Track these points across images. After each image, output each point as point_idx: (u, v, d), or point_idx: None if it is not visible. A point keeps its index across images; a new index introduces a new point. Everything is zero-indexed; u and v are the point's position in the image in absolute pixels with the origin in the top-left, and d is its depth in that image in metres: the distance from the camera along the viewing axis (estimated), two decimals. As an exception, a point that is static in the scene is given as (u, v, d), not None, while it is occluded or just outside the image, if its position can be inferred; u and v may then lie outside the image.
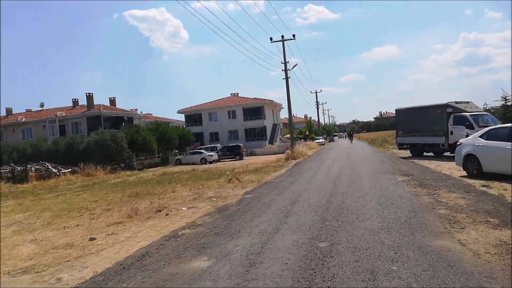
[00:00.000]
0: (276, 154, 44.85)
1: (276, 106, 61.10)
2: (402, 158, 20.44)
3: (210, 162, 38.27)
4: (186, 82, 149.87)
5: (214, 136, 55.92)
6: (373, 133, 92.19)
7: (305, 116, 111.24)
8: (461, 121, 16.82)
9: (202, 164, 37.33)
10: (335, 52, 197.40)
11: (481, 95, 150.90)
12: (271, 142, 54.52)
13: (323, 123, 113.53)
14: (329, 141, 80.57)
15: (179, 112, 57.77)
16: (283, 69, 32.14)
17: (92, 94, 42.41)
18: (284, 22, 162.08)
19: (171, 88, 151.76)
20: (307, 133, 61.90)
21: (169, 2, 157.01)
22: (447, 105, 17.61)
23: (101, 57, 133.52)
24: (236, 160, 40.30)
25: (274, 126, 58.83)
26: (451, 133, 17.26)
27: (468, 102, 17.96)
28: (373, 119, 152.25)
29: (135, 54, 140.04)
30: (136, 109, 66.20)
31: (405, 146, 21.28)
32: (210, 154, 39.09)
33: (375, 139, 48.42)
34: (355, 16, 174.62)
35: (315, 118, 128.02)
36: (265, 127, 54.74)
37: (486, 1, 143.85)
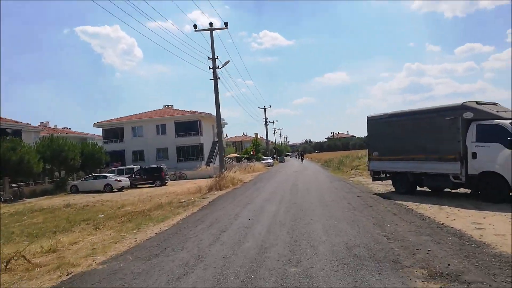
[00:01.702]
0: (211, 177, 36.42)
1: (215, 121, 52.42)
2: (378, 195, 12.36)
3: (119, 189, 28.55)
4: (137, 101, 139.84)
5: (139, 155, 45.88)
6: (325, 153, 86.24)
7: (256, 135, 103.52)
8: (494, 134, 9.09)
9: (106, 192, 27.60)
10: (288, 76, 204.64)
11: None
12: (209, 163, 45.47)
13: (274, 143, 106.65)
14: (279, 162, 73.03)
15: (96, 125, 47.22)
16: (211, 67, 23.72)
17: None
18: (240, 46, 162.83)
19: (119, 105, 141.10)
20: (252, 152, 53.72)
21: (124, 20, 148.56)
22: (464, 107, 9.80)
23: (47, 71, 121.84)
24: (156, 186, 30.91)
25: (214, 144, 49.93)
26: (474, 155, 9.45)
27: (495, 104, 10.31)
28: (325, 140, 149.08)
29: (85, 70, 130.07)
30: (48, 122, 54.78)
31: (383, 175, 13.16)
32: (118, 179, 29.17)
33: (329, 160, 41.10)
34: (308, 43, 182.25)
35: (270, 138, 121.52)
36: (201, 145, 45.71)
37: (427, 36, 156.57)
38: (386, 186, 14.28)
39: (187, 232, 8.45)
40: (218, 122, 24.39)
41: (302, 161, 67.15)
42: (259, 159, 55.77)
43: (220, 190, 19.78)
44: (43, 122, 54.08)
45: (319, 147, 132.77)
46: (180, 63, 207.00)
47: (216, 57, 23.43)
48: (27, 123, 54.98)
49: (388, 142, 12.26)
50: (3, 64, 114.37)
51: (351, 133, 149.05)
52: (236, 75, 53.55)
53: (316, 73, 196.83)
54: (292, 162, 64.61)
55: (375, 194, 12.57)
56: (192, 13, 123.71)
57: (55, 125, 56.76)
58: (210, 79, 23.97)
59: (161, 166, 32.82)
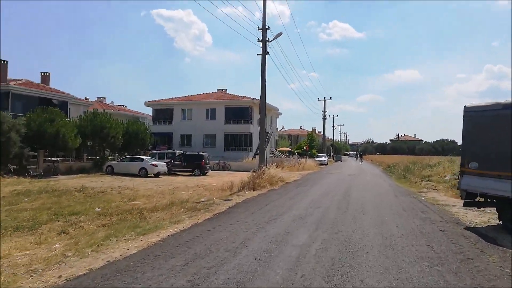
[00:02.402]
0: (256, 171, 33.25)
1: (270, 110, 48.79)
2: (473, 231, 7.91)
3: (156, 175, 26.41)
4: (201, 87, 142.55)
5: (186, 140, 43.95)
6: (388, 156, 78.91)
7: (313, 130, 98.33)
8: None
9: (141, 176, 25.59)
10: (355, 70, 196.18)
11: None
12: (256, 155, 42.17)
13: (332, 140, 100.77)
14: (335, 161, 67.79)
15: (147, 104, 46.01)
16: (260, 39, 20.09)
17: (6, 61, 30.94)
18: (308, 36, 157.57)
19: (184, 88, 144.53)
20: (305, 147, 49.42)
21: (196, 5, 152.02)
22: None
23: (124, 52, 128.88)
24: (195, 174, 28.39)
25: (266, 135, 46.48)
26: None
27: None
28: (389, 141, 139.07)
29: (158, 52, 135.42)
30: (104, 98, 55.01)
31: (481, 200, 8.38)
32: (154, 163, 26.85)
33: (393, 165, 35.63)
34: (379, 37, 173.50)
35: (329, 134, 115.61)
36: (251, 134, 42.51)
37: None
38: (481, 213, 9.70)
39: (145, 272, 4.96)
40: (262, 105, 20.73)
41: (361, 162, 62.64)
42: (312, 156, 51.34)
43: (253, 190, 16.21)
44: (100, 98, 54.46)
45: (382, 149, 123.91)
46: (248, 51, 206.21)
47: (267, 27, 19.71)
48: (86, 98, 55.78)
49: (498, 149, 7.73)
50: (83, 43, 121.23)
51: (419, 137, 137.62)
52: (300, 67, 49.53)
53: (385, 69, 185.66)
54: (350, 163, 59.20)
55: (468, 228, 8.13)
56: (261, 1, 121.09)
57: (112, 102, 57.04)
58: (258, 54, 20.38)
59: (202, 154, 30.04)
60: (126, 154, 33.94)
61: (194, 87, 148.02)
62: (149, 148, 40.91)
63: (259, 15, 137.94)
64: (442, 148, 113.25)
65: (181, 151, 33.42)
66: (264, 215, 9.34)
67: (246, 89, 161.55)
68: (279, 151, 51.66)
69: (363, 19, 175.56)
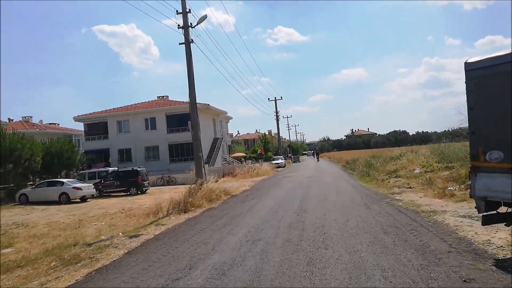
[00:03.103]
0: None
1: (218, 115, 45.06)
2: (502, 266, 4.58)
3: (81, 199, 21.82)
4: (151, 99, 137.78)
5: (125, 154, 39.03)
6: (345, 152, 77.66)
7: (269, 132, 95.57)
8: None
9: (62, 203, 20.95)
10: (304, 72, 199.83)
11: (443, 116, 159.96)
12: (208, 164, 38.16)
13: (289, 141, 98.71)
14: (294, 162, 65.25)
15: (77, 119, 40.52)
16: (181, 25, 16.35)
17: None
18: (255, 43, 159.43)
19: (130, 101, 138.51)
20: (260, 151, 46.12)
21: (139, 19, 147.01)
22: None
23: (71, 71, 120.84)
24: (130, 194, 24.15)
25: (215, 141, 42.65)
26: None
27: None
28: (344, 137, 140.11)
29: (103, 69, 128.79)
30: (31, 117, 48.40)
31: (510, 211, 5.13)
32: (77, 186, 22.15)
33: (352, 161, 33.05)
34: (323, 39, 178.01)
35: (285, 136, 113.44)
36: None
37: (446, 29, 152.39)
38: (490, 226, 6.50)
39: None
40: (192, 104, 17.00)
41: (318, 160, 63.06)
42: (268, 159, 48.15)
43: (185, 212, 12.37)
44: (25, 117, 47.90)
45: (338, 145, 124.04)
46: (197, 61, 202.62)
47: (188, 10, 15.99)
48: (9, 119, 48.77)
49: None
50: (19, 67, 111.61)
51: (372, 130, 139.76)
52: (253, 73, 46.38)
53: (332, 69, 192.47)
54: (308, 162, 56.73)
55: (498, 263, 4.81)
56: (205, 10, 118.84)
57: (40, 120, 50.50)
58: (180, 43, 16.61)
59: (137, 169, 25.67)
60: (49, 177, 28.72)
61: (143, 100, 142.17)
62: (82, 168, 35.81)
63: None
64: (395, 139, 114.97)
65: (117, 168, 28.74)
66: (165, 269, 5.55)
67: (198, 99, 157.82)
68: (234, 157, 47.99)
69: (305, 23, 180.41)
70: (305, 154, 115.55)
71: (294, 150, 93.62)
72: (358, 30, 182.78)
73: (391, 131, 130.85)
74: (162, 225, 10.19)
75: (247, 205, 12.32)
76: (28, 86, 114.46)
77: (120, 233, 9.42)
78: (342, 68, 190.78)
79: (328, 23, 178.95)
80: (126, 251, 7.31)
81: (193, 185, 15.25)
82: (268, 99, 58.00)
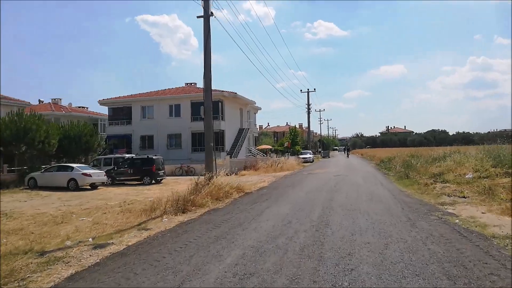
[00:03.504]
0: (226, 175, 27.63)
1: (246, 104, 42.93)
2: None
3: (92, 187, 20.60)
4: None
5: (147, 141, 37.79)
6: (379, 149, 73.54)
7: (300, 126, 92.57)
8: None
9: (70, 189, 19.72)
10: (342, 68, 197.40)
11: (488, 119, 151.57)
12: (231, 155, 36.27)
13: (320, 135, 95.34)
14: (323, 157, 62.33)
15: (101, 102, 39.64)
16: (198, -6, 14.21)
17: None
18: (293, 36, 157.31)
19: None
20: (287, 144, 43.63)
21: (181, 9, 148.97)
22: None
23: (111, 59, 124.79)
24: (144, 184, 22.72)
25: (240, 132, 40.60)
26: None
27: None
28: (379, 134, 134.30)
29: (144, 58, 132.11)
30: (60, 99, 48.24)
31: None
32: (87, 172, 20.78)
33: (387, 160, 29.93)
34: (363, 34, 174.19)
35: (316, 130, 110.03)
36: (222, 132, 36.48)
37: (496, 27, 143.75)
38: None
39: None
40: (207, 85, 14.83)
41: (348, 156, 60.48)
42: (296, 153, 45.59)
43: (183, 212, 10.34)
44: (54, 99, 47.84)
45: (372, 142, 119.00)
46: (234, 53, 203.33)
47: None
48: (39, 100, 48.90)
49: None
50: (66, 51, 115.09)
51: (409, 128, 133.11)
52: (289, 66, 43.96)
53: (371, 65, 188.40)
54: (338, 159, 53.59)
55: None
56: (246, 3, 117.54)
57: (69, 103, 50.39)
58: (198, 16, 14.52)
59: (153, 157, 24.04)
60: (64, 161, 27.73)
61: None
62: (103, 153, 34.89)
63: (242, 16, 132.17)
64: (434, 138, 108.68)
65: (132, 155, 27.28)
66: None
67: (230, 88, 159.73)
68: (259, 149, 45.81)
69: (347, 18, 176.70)
70: (336, 149, 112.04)
71: (325, 145, 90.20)
72: (400, 26, 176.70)
73: (429, 130, 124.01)
74: (146, 229, 8.16)
75: (257, 209, 10.05)
76: (69, 69, 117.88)
77: (90, 239, 7.47)
78: (381, 64, 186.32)
79: (369, 19, 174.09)
80: (68, 274, 5.26)
81: (200, 179, 13.19)
82: (301, 90, 55.13)
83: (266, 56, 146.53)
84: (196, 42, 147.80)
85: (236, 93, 37.12)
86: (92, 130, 31.57)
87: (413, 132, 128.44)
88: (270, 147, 47.56)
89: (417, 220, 7.68)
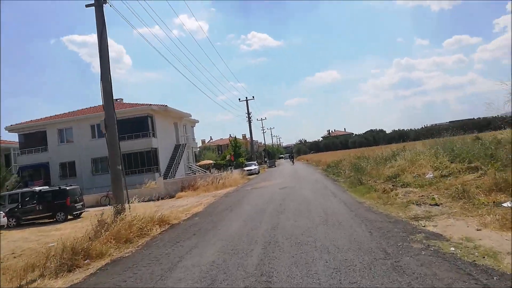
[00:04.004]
0: (160, 199, 24.44)
1: (180, 118, 39.55)
2: None
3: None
4: None
5: (69, 169, 32.93)
6: (323, 154, 73.35)
7: (243, 137, 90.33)
8: None
9: None
10: (279, 77, 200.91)
11: (415, 114, 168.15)
12: (166, 175, 32.62)
13: (264, 145, 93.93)
14: (269, 166, 60.41)
15: (9, 129, 34.04)
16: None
17: None
18: (229, 49, 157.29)
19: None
20: (229, 157, 40.88)
21: (110, 28, 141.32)
22: None
23: (35, 83, 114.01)
24: (57, 221, 18.71)
25: (177, 148, 37.11)
26: None
27: None
28: (321, 138, 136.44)
29: (76, 80, 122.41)
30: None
31: None
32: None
33: (334, 164, 28.22)
34: (296, 43, 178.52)
35: (260, 139, 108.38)
36: (154, 150, 32.80)
37: (415, 30, 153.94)
38: None
39: None
40: (106, 89, 11.55)
41: (293, 163, 61.12)
42: (240, 165, 42.94)
43: (70, 271, 7.11)
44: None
45: (315, 147, 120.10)
46: (171, 71, 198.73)
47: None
48: None
49: None
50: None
51: (348, 130, 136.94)
52: (227, 79, 41.43)
53: (307, 72, 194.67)
54: (284, 167, 51.86)
55: None
56: (179, 18, 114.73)
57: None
58: (88, 5, 11.33)
59: (66, 188, 20.05)
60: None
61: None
62: (15, 187, 29.78)
63: (176, 32, 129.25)
64: (373, 138, 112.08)
65: (38, 188, 22.75)
66: None
67: (176, 105, 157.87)
68: (200, 166, 42.52)
69: (279, 28, 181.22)
70: (282, 157, 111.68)
71: (270, 154, 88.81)
72: (330, 34, 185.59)
73: (368, 130, 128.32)
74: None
75: (174, 255, 7.06)
76: None
77: None
78: (316, 71, 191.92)
79: (301, 28, 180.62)
80: None
81: (104, 216, 9.91)
82: (239, 99, 52.96)
83: (203, 70, 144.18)
84: (130, 60, 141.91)
85: (166, 105, 33.71)
86: (-6, 162, 26.48)
87: (353, 133, 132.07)
88: (212, 162, 44.47)
89: (398, 256, 5.19)
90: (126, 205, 11.12)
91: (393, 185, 12.54)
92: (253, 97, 54.04)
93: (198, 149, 77.06)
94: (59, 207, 19.10)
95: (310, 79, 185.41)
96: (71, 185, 21.52)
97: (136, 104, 33.87)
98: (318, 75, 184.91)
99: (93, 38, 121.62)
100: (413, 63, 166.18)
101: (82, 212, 20.28)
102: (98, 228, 9.21)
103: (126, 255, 7.95)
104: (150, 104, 32.26)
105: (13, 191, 23.55)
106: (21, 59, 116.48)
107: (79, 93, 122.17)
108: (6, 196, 22.44)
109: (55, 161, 32.79)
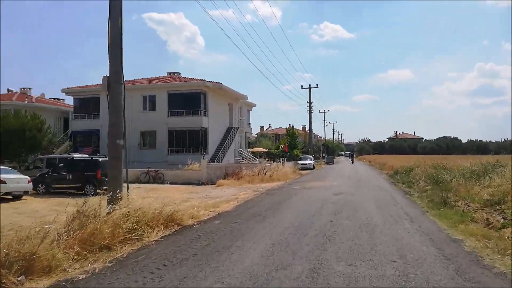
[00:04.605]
0: (200, 184, 22.25)
1: (236, 99, 37.00)
2: None
3: (16, 197, 15.46)
4: None
5: (117, 139, 31.97)
6: (388, 156, 67.02)
7: (303, 128, 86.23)
8: None
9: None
10: (349, 71, 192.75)
11: (495, 126, 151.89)
12: (214, 159, 30.41)
13: (324, 139, 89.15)
14: (327, 163, 56.32)
15: (66, 91, 33.93)
16: None
17: None
18: (300, 38, 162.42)
19: None
20: (283, 147, 37.66)
21: (187, 8, 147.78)
22: None
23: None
24: (85, 194, 16.86)
25: (228, 131, 34.71)
26: None
27: None
28: (387, 140, 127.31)
29: (151, 56, 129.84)
30: (30, 88, 42.64)
31: None
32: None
33: (404, 171, 23.73)
34: (370, 37, 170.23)
35: (321, 133, 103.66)
36: (204, 130, 30.65)
37: (503, 33, 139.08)
38: None
39: None
40: (115, 62, 8.80)
41: (352, 162, 58.88)
42: (294, 158, 39.59)
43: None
44: (24, 89, 42.29)
45: (380, 148, 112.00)
46: (239, 54, 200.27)
47: None
48: (8, 90, 43.71)
49: None
50: (76, 47, 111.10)
51: (418, 135, 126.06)
52: (296, 68, 38.40)
53: (378, 69, 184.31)
54: (343, 166, 47.49)
55: None
56: (252, 3, 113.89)
57: (42, 94, 44.81)
58: None
59: (98, 159, 18.46)
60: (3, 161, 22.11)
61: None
62: (68, 151, 29.61)
63: (250, 17, 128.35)
64: (447, 145, 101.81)
65: (71, 155, 21.42)
66: None
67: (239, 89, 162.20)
68: (253, 152, 39.86)
69: (353, 20, 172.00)
70: (342, 154, 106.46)
71: (329, 150, 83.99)
72: (406, 30, 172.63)
73: (441, 136, 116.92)
74: None
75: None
76: (72, 66, 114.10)
77: None
78: (388, 68, 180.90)
79: (376, 21, 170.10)
80: None
81: (89, 206, 7.31)
82: (301, 86, 49.25)
83: (272, 58, 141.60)
84: (203, 41, 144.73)
85: (221, 83, 31.22)
86: (42, 123, 25.92)
87: (423, 138, 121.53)
88: (265, 150, 41.59)
89: None
90: (125, 192, 8.46)
91: (503, 218, 8.50)
92: (317, 85, 49.98)
93: (255, 135, 74.86)
94: (89, 178, 17.48)
95: (382, 76, 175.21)
96: (105, 156, 19.87)
97: (191, 79, 31.85)
98: (390, 72, 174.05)
99: (171, 17, 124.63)
100: (497, 70, 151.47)
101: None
102: (71, 225, 6.62)
103: (81, 276, 5.18)
104: (204, 80, 29.96)
105: (51, 156, 22.61)
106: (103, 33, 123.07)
107: (157, 69, 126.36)
108: (44, 159, 21.51)
109: (106, 129, 31.66)
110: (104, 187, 17.44)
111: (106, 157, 20.49)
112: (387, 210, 10.47)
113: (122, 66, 8.67)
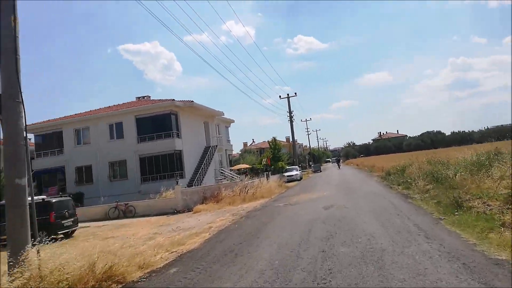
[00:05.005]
0: (176, 213, 19.99)
1: (212, 117, 34.85)
2: None
3: None
4: None
5: (85, 174, 29.29)
6: (374, 157, 65.63)
7: (287, 139, 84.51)
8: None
9: None
10: (326, 80, 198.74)
11: (473, 116, 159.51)
12: (193, 182, 27.99)
13: (309, 148, 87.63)
14: (314, 171, 54.43)
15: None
16: None
17: None
18: (275, 53, 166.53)
19: None
20: (266, 161, 35.53)
21: (162, 35, 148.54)
22: None
23: (94, 90, 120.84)
24: (38, 241, 13.74)
25: (206, 150, 32.42)
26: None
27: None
28: (372, 141, 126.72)
29: (128, 87, 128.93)
30: None
31: None
32: None
33: (394, 171, 21.84)
34: (343, 45, 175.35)
35: (305, 143, 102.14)
36: (179, 153, 28.31)
37: (471, 28, 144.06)
38: None
39: None
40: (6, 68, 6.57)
41: (339, 167, 58.26)
42: (279, 171, 37.46)
43: None
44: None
45: (365, 150, 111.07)
46: (214, 75, 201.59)
47: None
48: None
49: None
50: (53, 83, 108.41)
51: (402, 132, 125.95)
52: (275, 82, 37.05)
53: (354, 74, 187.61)
54: (331, 172, 45.59)
55: None
56: (225, 24, 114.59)
57: None
58: None
59: (50, 200, 15.87)
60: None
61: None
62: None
63: (224, 38, 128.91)
64: (431, 140, 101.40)
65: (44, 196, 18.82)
66: None
67: (232, 110, 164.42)
68: (237, 170, 37.56)
69: (325, 31, 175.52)
70: (328, 161, 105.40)
71: (316, 158, 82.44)
72: (378, 34, 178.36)
73: (424, 132, 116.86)
74: None
75: None
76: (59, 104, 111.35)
77: None
78: (364, 72, 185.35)
79: (347, 29, 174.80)
80: None
81: None
82: (280, 96, 47.67)
83: (250, 75, 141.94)
84: (180, 67, 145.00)
85: (192, 101, 29.11)
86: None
87: (407, 136, 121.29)
88: (249, 166, 39.38)
89: None
90: (32, 250, 6.15)
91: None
92: (295, 93, 48.45)
93: (239, 152, 72.69)
94: (40, 224, 14.84)
95: (359, 81, 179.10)
96: (61, 196, 17.42)
97: (160, 100, 29.68)
98: (367, 76, 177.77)
99: (146, 46, 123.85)
100: (469, 63, 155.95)
101: (73, 230, 16.04)
102: None
103: None
104: (173, 100, 27.81)
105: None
106: (81, 68, 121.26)
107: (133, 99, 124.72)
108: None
109: (71, 164, 29.35)
110: (60, 231, 15.15)
111: (69, 196, 18.28)
112: (391, 223, 8.35)
113: (19, 78, 6.44)
